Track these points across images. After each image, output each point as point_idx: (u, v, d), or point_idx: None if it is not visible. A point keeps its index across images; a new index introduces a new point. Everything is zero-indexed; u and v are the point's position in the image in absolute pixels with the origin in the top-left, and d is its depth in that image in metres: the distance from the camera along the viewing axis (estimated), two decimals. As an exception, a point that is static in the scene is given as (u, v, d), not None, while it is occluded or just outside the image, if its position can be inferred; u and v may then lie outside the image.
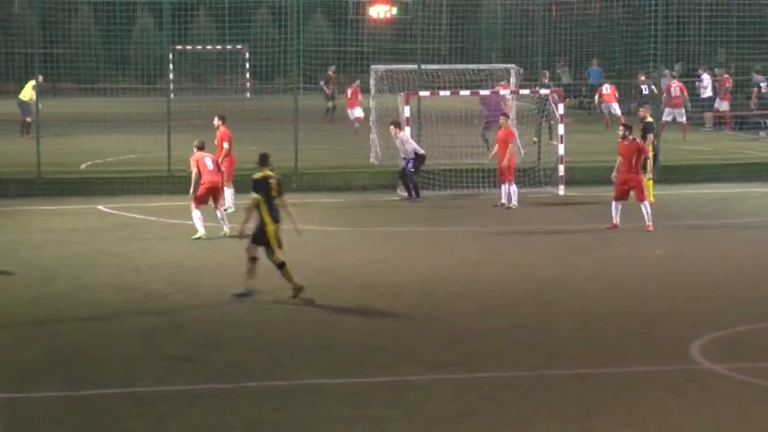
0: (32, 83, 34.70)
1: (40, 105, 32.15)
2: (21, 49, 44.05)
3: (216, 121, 24.93)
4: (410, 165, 27.32)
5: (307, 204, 25.36)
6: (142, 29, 50.90)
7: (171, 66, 42.41)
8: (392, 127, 27.91)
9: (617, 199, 23.09)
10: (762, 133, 37.93)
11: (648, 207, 23.10)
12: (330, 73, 44.71)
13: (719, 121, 41.07)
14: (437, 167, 28.60)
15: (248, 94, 50.25)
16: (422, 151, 27.49)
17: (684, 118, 36.98)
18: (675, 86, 37.60)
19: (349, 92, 40.02)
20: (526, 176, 28.50)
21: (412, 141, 27.83)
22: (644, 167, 23.75)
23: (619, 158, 23.17)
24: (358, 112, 39.11)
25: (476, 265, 20.92)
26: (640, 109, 30.19)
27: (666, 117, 36.01)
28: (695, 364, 14.61)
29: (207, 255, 21.40)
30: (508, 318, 17.24)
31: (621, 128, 23.79)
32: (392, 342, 15.84)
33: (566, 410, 12.67)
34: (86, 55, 46.40)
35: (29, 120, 35.67)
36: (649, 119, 27.50)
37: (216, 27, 51.82)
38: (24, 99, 36.36)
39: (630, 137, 23.35)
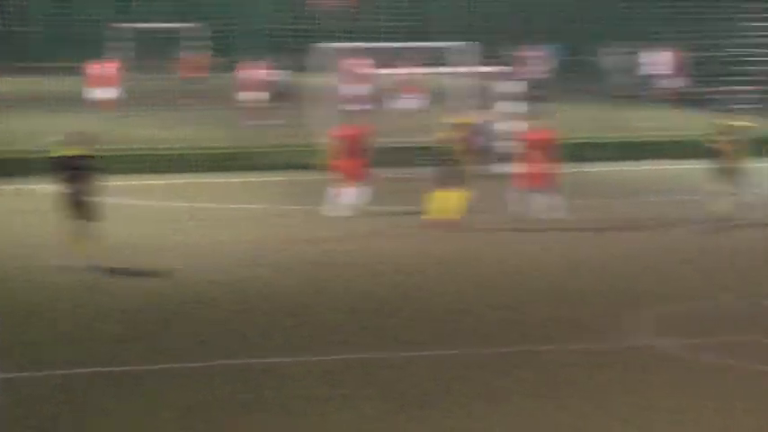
0: None
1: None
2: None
3: None
4: None
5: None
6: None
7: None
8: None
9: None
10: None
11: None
12: None
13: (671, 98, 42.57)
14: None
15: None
16: None
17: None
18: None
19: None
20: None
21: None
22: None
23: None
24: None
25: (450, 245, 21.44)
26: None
27: None
28: (644, 341, 14.69)
29: (163, 234, 21.69)
30: (482, 297, 17.50)
31: None
32: (368, 321, 16.09)
33: (539, 388, 12.92)
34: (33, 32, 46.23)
35: None
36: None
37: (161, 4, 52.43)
38: None
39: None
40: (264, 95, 37.59)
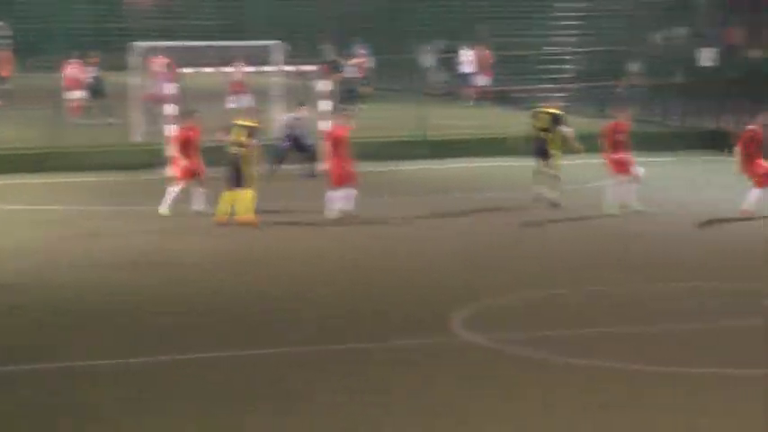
0: None
1: None
2: None
3: None
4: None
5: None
6: None
7: None
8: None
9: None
10: None
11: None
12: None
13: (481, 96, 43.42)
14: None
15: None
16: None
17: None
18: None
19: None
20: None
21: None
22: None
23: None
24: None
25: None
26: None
27: None
28: (456, 337, 15.08)
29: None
30: (286, 295, 17.23)
31: None
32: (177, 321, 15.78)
33: (341, 382, 13.03)
34: None
35: None
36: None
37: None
38: None
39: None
40: (85, 94, 37.06)
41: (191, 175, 23.60)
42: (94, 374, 13.81)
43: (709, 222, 23.13)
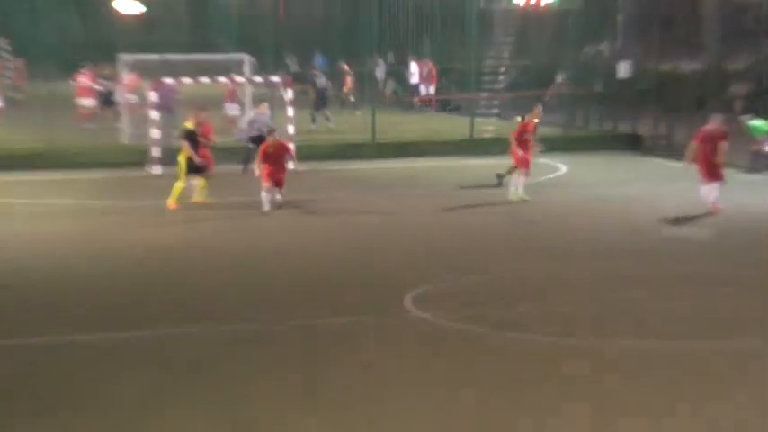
0: None
1: None
2: None
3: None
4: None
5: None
6: None
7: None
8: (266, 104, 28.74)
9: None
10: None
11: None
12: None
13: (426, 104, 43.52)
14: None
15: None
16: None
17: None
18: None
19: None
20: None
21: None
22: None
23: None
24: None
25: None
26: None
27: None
28: (405, 313, 14.94)
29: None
30: (241, 277, 17.31)
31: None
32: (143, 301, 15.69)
33: (296, 359, 12.85)
34: None
35: None
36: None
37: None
38: None
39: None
40: (94, 101, 37.74)
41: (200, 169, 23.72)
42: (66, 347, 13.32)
43: (665, 216, 22.24)
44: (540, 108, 25.95)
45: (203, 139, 24.18)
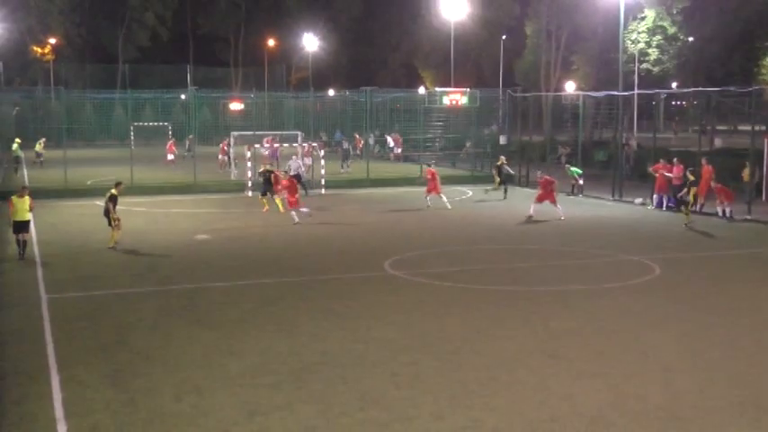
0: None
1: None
2: None
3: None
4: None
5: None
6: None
7: None
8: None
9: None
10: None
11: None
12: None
13: (397, 158, 48.66)
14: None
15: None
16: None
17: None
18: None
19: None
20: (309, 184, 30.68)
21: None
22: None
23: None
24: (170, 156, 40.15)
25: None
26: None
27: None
28: (385, 272, 17.44)
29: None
30: (291, 252, 19.70)
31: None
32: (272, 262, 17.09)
33: (324, 296, 15.05)
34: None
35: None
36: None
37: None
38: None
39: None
40: (225, 158, 41.84)
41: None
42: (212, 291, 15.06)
43: (530, 219, 25.36)
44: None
45: (274, 175, 26.60)
